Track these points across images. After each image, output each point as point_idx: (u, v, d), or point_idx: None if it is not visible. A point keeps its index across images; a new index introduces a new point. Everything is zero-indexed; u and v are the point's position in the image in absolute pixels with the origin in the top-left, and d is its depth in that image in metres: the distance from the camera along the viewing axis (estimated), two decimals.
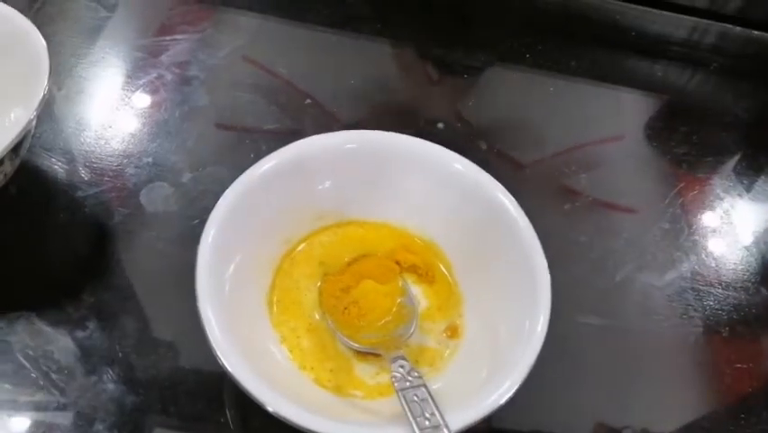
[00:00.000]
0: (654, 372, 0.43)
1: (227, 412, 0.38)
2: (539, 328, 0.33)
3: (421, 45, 0.62)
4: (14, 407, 0.37)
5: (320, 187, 0.41)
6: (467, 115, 0.57)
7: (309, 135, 0.41)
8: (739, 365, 0.43)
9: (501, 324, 0.36)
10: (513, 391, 0.31)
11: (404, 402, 0.31)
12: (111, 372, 0.38)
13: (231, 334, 0.32)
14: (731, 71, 0.64)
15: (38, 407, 0.37)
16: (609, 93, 0.61)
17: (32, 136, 0.44)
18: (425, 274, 0.41)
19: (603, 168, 0.55)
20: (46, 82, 0.41)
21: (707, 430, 0.41)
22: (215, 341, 0.32)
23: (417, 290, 0.40)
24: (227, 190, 0.37)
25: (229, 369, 0.31)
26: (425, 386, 0.32)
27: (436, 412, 0.30)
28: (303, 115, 0.54)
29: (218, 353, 0.31)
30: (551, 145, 0.55)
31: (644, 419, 0.40)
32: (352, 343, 0.37)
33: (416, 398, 0.31)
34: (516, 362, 0.32)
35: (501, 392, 0.31)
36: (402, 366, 0.34)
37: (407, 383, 0.32)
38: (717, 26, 0.67)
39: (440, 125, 0.54)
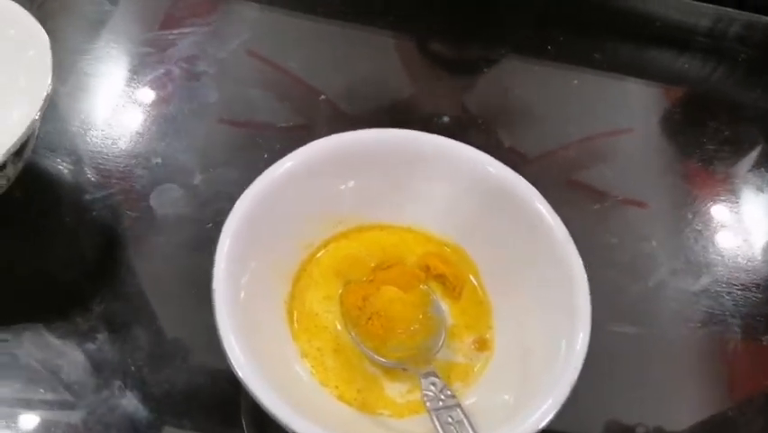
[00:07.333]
0: (691, 380, 0.41)
1: (244, 428, 0.36)
2: (578, 346, 0.31)
3: (436, 37, 0.60)
4: (23, 424, 0.35)
5: (341, 189, 0.39)
6: (481, 109, 0.55)
7: (322, 130, 0.39)
8: None
9: (535, 336, 0.34)
10: (552, 414, 0.29)
11: (437, 425, 0.29)
12: (123, 386, 0.37)
13: (248, 345, 0.31)
14: (757, 62, 0.62)
15: (47, 424, 0.36)
16: (631, 85, 0.59)
17: (36, 137, 0.42)
18: (453, 289, 0.38)
19: (625, 163, 0.53)
20: (50, 81, 0.39)
21: None
22: (231, 352, 0.30)
23: (443, 305, 0.38)
24: (243, 194, 0.35)
25: (246, 382, 0.29)
26: (459, 407, 0.30)
27: None
28: (315, 110, 0.52)
29: (234, 365, 0.30)
30: (568, 139, 0.53)
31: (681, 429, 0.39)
32: (378, 357, 0.35)
33: (450, 420, 0.30)
34: (555, 381, 0.30)
35: (539, 416, 0.29)
36: (434, 384, 0.32)
37: (440, 403, 0.31)
38: (744, 16, 0.65)
39: (445, 119, 0.52)
